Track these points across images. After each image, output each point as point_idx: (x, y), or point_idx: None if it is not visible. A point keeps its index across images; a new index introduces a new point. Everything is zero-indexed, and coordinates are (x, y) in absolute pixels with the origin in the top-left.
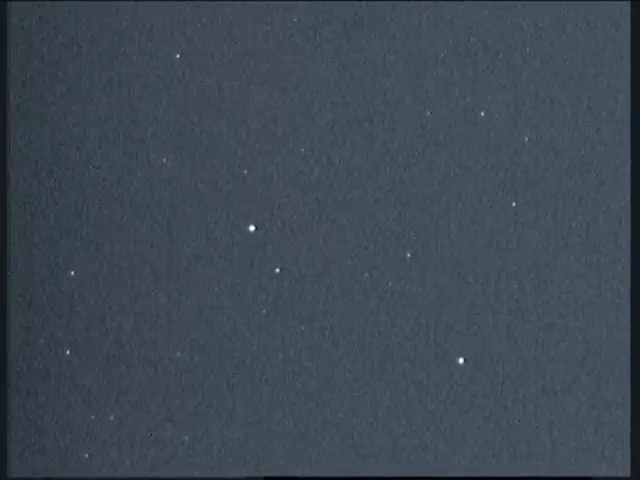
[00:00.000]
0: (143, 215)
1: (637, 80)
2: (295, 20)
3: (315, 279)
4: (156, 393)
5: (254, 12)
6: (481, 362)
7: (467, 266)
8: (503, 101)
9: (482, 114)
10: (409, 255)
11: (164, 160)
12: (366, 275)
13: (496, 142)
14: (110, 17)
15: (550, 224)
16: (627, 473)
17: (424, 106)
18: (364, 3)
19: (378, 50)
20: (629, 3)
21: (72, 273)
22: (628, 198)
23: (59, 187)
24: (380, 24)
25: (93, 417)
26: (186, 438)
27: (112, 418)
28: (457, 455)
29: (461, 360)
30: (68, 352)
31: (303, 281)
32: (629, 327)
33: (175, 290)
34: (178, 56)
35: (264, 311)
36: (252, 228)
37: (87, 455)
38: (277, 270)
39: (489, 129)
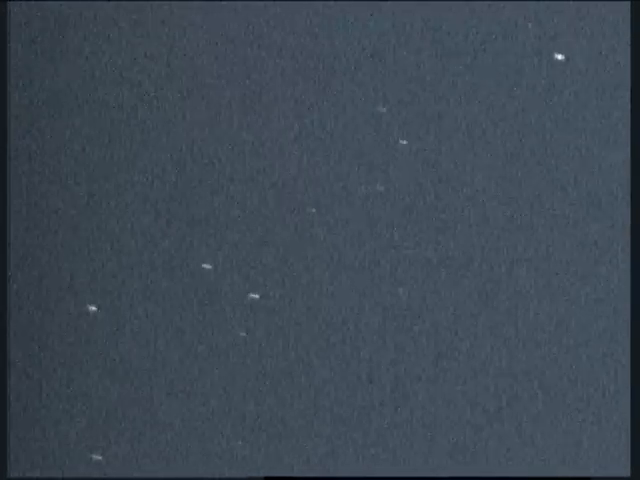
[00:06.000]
0: (142, 215)
1: (637, 80)
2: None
3: (311, 282)
4: (156, 394)
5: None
6: (481, 362)
7: (462, 266)
8: (502, 101)
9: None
10: (409, 260)
11: (165, 159)
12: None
13: (495, 142)
14: (110, 17)
15: (550, 225)
16: (627, 473)
17: (419, 108)
18: (365, 3)
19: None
20: (629, 3)
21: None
22: (628, 198)
23: (58, 188)
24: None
25: (93, 417)
26: (186, 438)
27: (112, 418)
28: (457, 455)
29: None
30: (68, 353)
31: (302, 284)
32: (629, 327)
33: (174, 289)
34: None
35: (263, 310)
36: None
37: (87, 455)
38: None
39: (488, 129)
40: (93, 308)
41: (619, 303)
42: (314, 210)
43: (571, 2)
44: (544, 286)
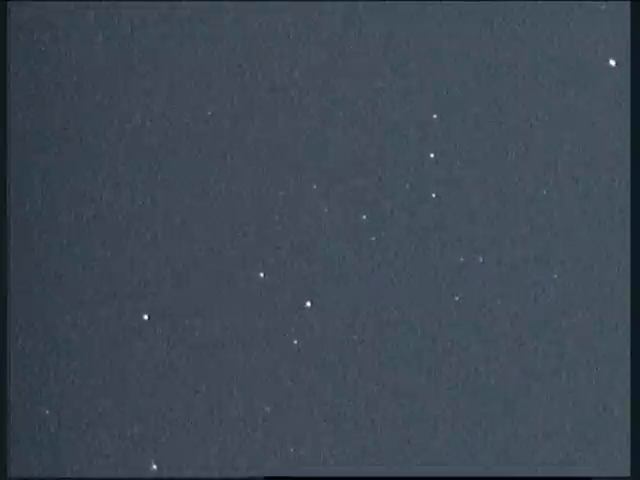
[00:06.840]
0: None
1: (637, 80)
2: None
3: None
4: (156, 394)
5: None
6: (481, 362)
7: (466, 269)
8: (502, 101)
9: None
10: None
11: (167, 162)
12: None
13: (495, 141)
14: (109, 16)
15: (550, 224)
16: (627, 473)
17: (429, 110)
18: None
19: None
20: (629, 3)
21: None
22: (628, 198)
23: (58, 190)
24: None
25: (93, 417)
26: (186, 438)
27: (112, 418)
28: (457, 455)
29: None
30: (68, 353)
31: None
32: (629, 327)
33: (173, 288)
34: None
35: (265, 310)
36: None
37: (87, 455)
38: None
39: (488, 129)
40: (145, 317)
41: (619, 302)
42: (365, 217)
43: (571, 2)
44: (544, 285)
